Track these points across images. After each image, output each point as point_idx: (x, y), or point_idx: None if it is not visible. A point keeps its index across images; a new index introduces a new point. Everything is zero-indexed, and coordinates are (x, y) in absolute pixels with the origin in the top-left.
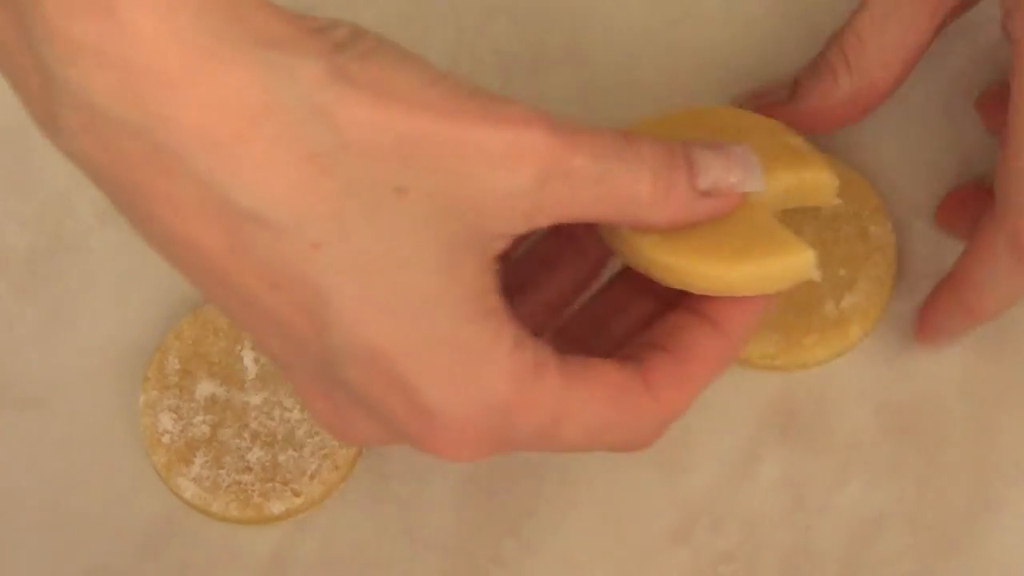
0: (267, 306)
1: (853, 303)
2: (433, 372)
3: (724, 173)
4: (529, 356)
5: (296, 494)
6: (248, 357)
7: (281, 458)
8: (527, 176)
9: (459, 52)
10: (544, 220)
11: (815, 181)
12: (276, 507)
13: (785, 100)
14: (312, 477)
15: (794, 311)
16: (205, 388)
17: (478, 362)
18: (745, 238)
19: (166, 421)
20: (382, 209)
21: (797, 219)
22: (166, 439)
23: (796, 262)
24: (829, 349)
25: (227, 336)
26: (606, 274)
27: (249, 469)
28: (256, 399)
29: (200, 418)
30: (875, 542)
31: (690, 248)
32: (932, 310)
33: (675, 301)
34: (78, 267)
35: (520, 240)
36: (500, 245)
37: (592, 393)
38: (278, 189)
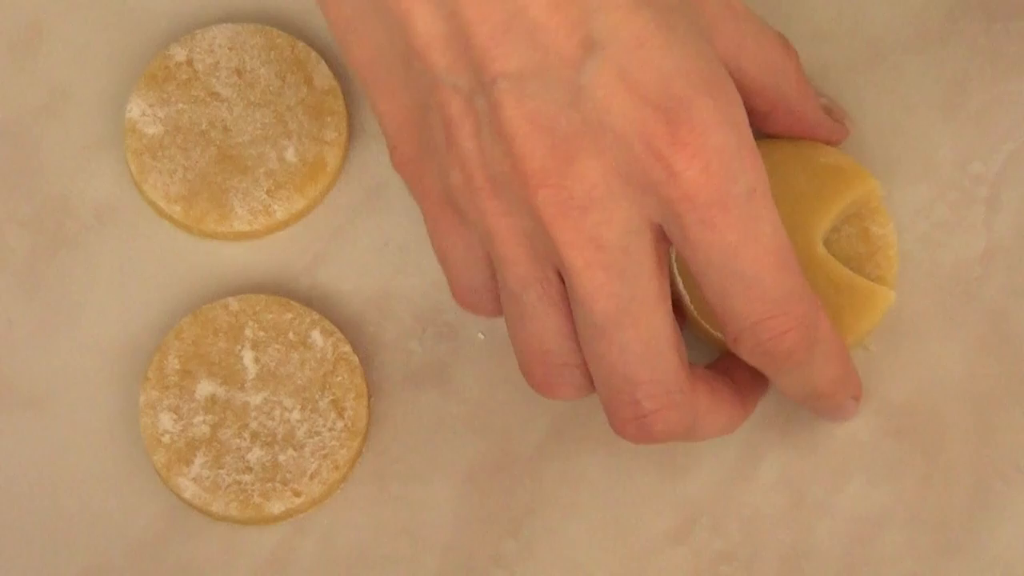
0: (532, 14)
1: None
2: (690, 69)
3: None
4: None
5: (296, 494)
6: (248, 357)
7: (281, 458)
8: None
9: None
10: (722, 48)
11: (861, 193)
12: (276, 507)
13: None
14: (312, 477)
15: None
16: (205, 388)
17: (727, 84)
18: (833, 305)
19: (166, 421)
20: None
21: None
22: (166, 439)
23: (883, 309)
24: None
25: (227, 336)
26: None
27: (249, 469)
28: (256, 399)
29: (200, 418)
30: (875, 542)
31: None
32: None
33: None
34: (78, 267)
35: None
36: None
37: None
38: None
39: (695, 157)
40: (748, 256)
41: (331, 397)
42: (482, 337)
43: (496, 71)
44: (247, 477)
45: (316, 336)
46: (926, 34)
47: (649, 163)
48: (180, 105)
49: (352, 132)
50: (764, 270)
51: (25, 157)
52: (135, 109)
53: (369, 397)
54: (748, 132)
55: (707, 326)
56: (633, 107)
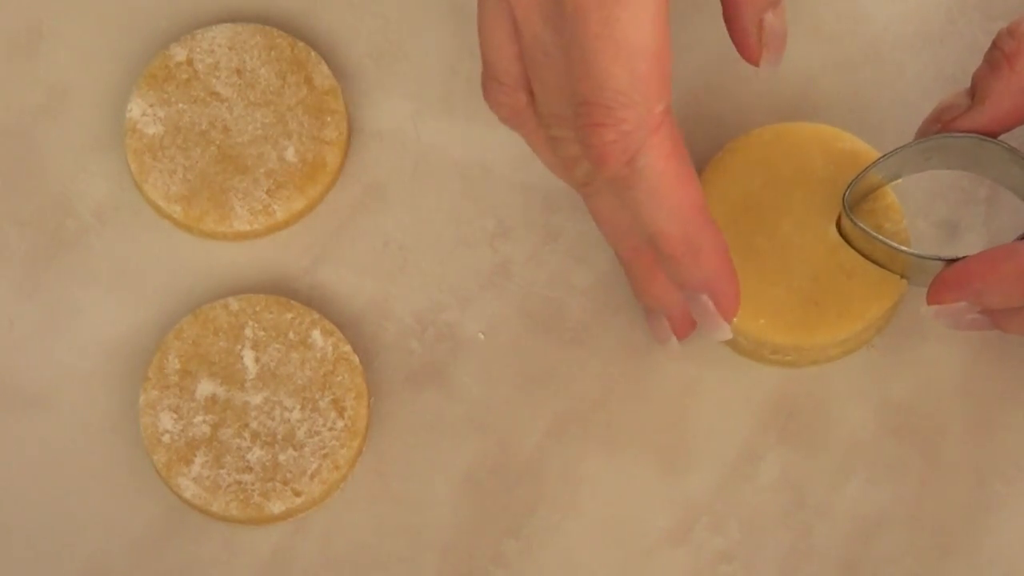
0: None
1: None
2: None
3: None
4: None
5: (296, 494)
6: (248, 357)
7: (281, 458)
8: None
9: (460, 52)
10: None
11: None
12: (276, 507)
13: (967, 107)
14: (312, 477)
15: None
16: (205, 388)
17: None
18: (843, 291)
19: (166, 421)
20: None
21: None
22: (166, 439)
23: (893, 297)
24: (842, 348)
25: (227, 336)
26: None
27: (249, 469)
28: (256, 399)
29: (200, 418)
30: (875, 541)
31: (800, 323)
32: None
33: None
34: (78, 267)
35: None
36: None
37: None
38: None
39: None
40: (590, 31)
41: (331, 397)
42: (482, 337)
43: None
44: (247, 477)
45: (316, 336)
46: (926, 34)
47: None
48: (180, 105)
49: (352, 132)
50: (597, 52)
51: (25, 157)
52: (135, 109)
53: (369, 397)
54: None
55: None
56: None
